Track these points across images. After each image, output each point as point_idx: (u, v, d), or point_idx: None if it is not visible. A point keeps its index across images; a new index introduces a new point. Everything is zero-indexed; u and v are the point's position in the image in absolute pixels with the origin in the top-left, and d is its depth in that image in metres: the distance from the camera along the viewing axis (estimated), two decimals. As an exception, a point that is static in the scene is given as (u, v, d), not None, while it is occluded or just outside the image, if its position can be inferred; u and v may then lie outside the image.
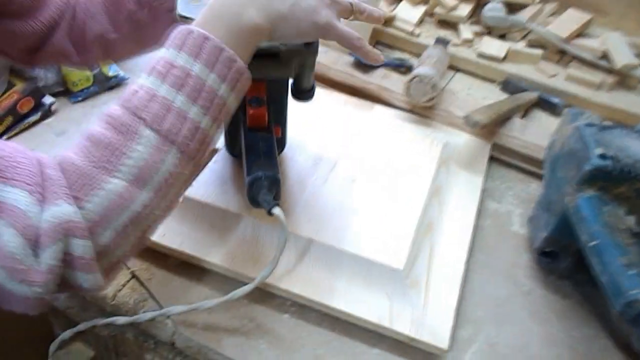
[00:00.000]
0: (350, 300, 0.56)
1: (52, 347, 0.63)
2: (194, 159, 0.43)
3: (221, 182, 0.63)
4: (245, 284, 0.57)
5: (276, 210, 0.50)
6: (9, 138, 0.85)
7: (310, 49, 0.55)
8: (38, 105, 0.88)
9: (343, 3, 0.50)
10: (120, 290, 0.57)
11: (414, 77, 0.75)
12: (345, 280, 0.57)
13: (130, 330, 0.59)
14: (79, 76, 0.90)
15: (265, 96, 0.56)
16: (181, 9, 0.61)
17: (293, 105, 0.63)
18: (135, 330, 0.59)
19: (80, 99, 0.91)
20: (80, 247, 0.38)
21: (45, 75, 0.89)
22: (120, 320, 0.55)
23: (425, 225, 0.63)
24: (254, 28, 0.45)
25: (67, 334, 0.57)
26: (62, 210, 0.38)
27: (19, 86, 0.86)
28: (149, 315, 0.54)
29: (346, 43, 0.50)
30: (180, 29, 0.43)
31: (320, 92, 0.80)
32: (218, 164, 0.65)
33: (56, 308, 0.63)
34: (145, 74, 0.42)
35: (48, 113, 0.89)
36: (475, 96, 0.88)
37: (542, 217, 0.61)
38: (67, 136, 0.86)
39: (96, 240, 0.40)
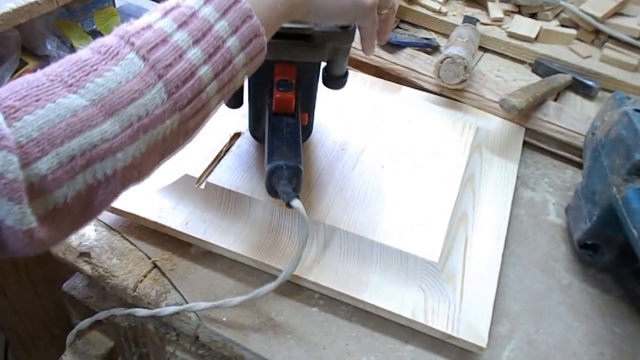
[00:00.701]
0: (382, 294, 0.53)
1: (70, 337, 0.61)
2: (182, 112, 0.36)
3: (246, 167, 0.60)
4: (271, 275, 0.55)
5: (295, 203, 0.47)
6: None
7: (347, 32, 0.51)
8: None
9: None
10: (141, 281, 0.55)
11: (445, 58, 0.71)
12: (376, 272, 0.54)
13: (152, 321, 0.57)
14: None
15: (294, 80, 0.53)
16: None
17: (319, 88, 0.60)
18: (156, 322, 0.57)
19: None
20: (1, 164, 0.29)
21: (57, 53, 0.87)
22: (140, 312, 0.53)
23: (460, 214, 0.60)
24: None
25: (85, 322, 0.55)
26: None
27: (31, 64, 0.84)
28: (170, 309, 0.52)
29: (371, 33, 0.48)
30: None
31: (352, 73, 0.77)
32: (242, 149, 0.62)
33: (74, 297, 0.61)
34: (149, 12, 0.37)
35: None
36: (505, 78, 0.84)
37: (583, 208, 0.58)
38: None
39: (30, 163, 0.30)
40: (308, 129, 0.63)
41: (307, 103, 0.59)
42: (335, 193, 0.59)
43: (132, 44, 0.34)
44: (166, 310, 0.52)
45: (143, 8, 0.98)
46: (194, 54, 0.35)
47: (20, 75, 0.79)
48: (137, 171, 0.36)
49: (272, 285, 0.50)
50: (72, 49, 0.87)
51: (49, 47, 0.88)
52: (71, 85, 0.31)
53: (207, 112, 0.38)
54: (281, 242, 0.56)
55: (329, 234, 0.56)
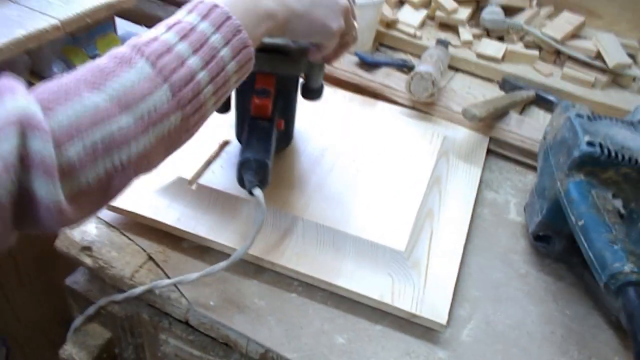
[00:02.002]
0: (354, 279, 0.59)
1: (72, 329, 0.67)
2: (184, 110, 0.42)
3: (233, 171, 0.66)
4: (255, 264, 0.61)
5: (256, 192, 0.55)
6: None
7: None
8: None
9: (353, 23, 0.56)
10: (137, 271, 0.61)
11: (415, 74, 0.79)
12: (350, 261, 0.60)
13: (146, 311, 0.62)
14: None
15: (272, 89, 0.60)
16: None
17: (303, 101, 0.67)
18: (150, 311, 0.62)
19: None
20: (39, 143, 0.34)
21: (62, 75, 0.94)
22: (137, 291, 0.59)
23: (426, 211, 0.66)
24: (268, 14, 0.48)
25: (91, 309, 0.61)
26: (18, 103, 0.35)
27: (39, 86, 0.91)
28: (163, 282, 0.58)
29: (328, 51, 0.56)
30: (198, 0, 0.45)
31: (327, 89, 0.84)
32: (230, 155, 0.69)
33: (76, 290, 0.66)
34: (154, 27, 0.44)
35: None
36: (474, 94, 0.92)
37: (537, 203, 0.65)
38: None
39: (61, 150, 0.36)
40: (287, 136, 0.70)
41: (286, 111, 0.66)
42: (313, 192, 0.65)
43: (142, 53, 0.40)
44: (159, 283, 0.58)
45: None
46: (193, 61, 0.42)
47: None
48: (147, 161, 0.42)
49: (224, 263, 0.56)
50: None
51: (55, 70, 0.95)
52: (93, 84, 0.38)
53: (204, 112, 0.45)
54: (264, 234, 0.62)
55: (307, 228, 0.62)
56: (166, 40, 0.42)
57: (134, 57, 0.40)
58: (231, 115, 0.69)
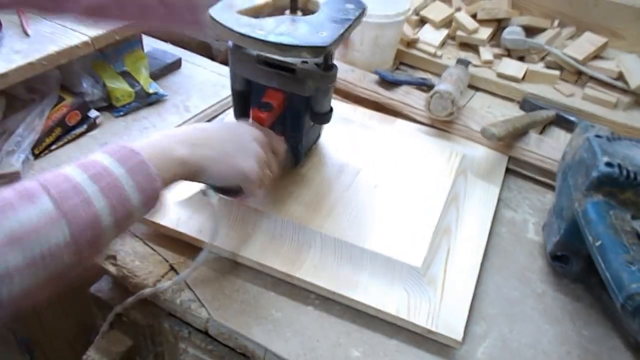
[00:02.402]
0: (370, 294, 0.60)
1: (100, 334, 0.69)
2: (81, 250, 0.42)
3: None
4: (273, 277, 0.62)
5: (208, 192, 0.59)
6: (57, 148, 0.92)
7: (326, 73, 0.60)
8: (84, 118, 0.94)
9: (272, 159, 0.61)
10: (159, 280, 0.62)
11: (434, 93, 0.80)
12: (367, 275, 0.61)
13: (167, 320, 0.64)
14: (122, 92, 0.97)
15: (277, 105, 0.62)
16: (217, 14, 0.59)
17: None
18: (171, 321, 0.64)
19: (122, 113, 0.98)
20: None
21: (92, 91, 0.97)
22: (146, 291, 0.60)
23: (443, 228, 0.67)
24: (180, 161, 0.52)
25: (111, 315, 0.62)
26: None
27: (68, 100, 0.94)
28: (167, 284, 0.60)
29: (252, 191, 0.60)
30: (118, 145, 0.47)
31: (347, 107, 0.86)
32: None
33: (100, 298, 0.68)
34: (72, 165, 0.45)
35: (93, 125, 0.95)
36: (494, 113, 0.92)
37: (555, 223, 0.65)
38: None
39: None
40: (295, 156, 0.71)
41: (296, 131, 0.68)
42: (332, 207, 0.66)
43: (48, 191, 0.41)
44: (163, 285, 0.59)
45: (168, 52, 1.09)
46: (101, 206, 0.43)
47: (58, 110, 0.89)
48: (30, 297, 0.40)
49: (188, 270, 0.60)
50: (105, 87, 0.97)
51: (84, 85, 0.98)
52: None
53: (101, 249, 0.46)
54: (282, 247, 0.63)
55: (325, 242, 0.63)
56: (77, 182, 0.43)
57: (39, 194, 0.40)
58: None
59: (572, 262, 0.63)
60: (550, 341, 0.60)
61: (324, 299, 0.61)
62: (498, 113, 0.93)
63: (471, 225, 0.69)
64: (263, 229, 0.65)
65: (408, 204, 0.68)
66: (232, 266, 0.64)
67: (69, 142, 0.93)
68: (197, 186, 0.66)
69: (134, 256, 0.64)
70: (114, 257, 0.64)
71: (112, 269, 0.64)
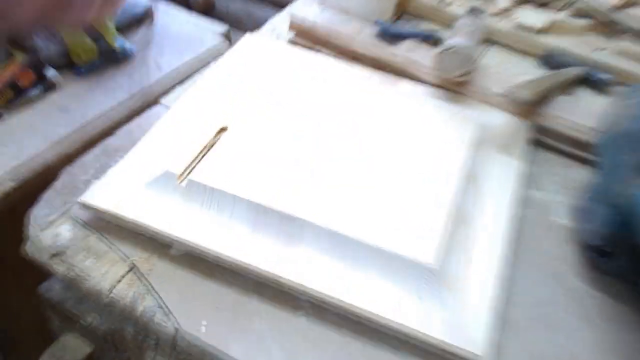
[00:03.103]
0: (373, 299, 0.49)
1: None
2: None
3: (231, 165, 0.56)
4: (256, 279, 0.51)
5: None
6: (9, 113, 0.81)
7: None
8: (40, 79, 0.83)
9: None
10: (118, 283, 0.51)
11: (447, 48, 0.67)
12: (368, 276, 0.50)
13: (130, 326, 0.53)
14: (83, 47, 0.85)
15: None
16: None
17: (313, 81, 0.56)
18: (134, 327, 0.53)
19: (84, 72, 0.86)
20: None
21: (46, 46, 0.84)
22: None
23: (458, 214, 0.56)
24: None
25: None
26: None
27: (19, 57, 0.81)
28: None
29: None
30: None
31: (341, 65, 0.73)
32: (227, 145, 0.58)
33: (51, 300, 0.58)
34: None
35: (51, 87, 0.84)
36: (512, 71, 0.79)
37: (595, 209, 0.54)
38: (71, 113, 0.82)
39: None
40: None
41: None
42: (324, 191, 0.55)
43: None
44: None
45: (139, 2, 0.95)
46: None
47: (7, 69, 0.77)
48: None
49: None
50: (63, 42, 0.85)
51: (37, 39, 0.86)
52: None
53: None
54: (266, 241, 0.52)
55: (317, 235, 0.52)
56: None
57: None
58: (229, 98, 0.59)
59: (614, 256, 0.53)
60: (589, 352, 0.50)
61: (317, 305, 0.50)
62: (516, 71, 0.80)
63: (491, 210, 0.58)
64: (241, 220, 0.53)
65: (414, 185, 0.57)
66: (205, 265, 0.53)
67: (23, 106, 0.82)
68: (162, 166, 0.55)
69: (86, 253, 0.53)
70: (60, 255, 0.53)
71: (59, 269, 0.53)
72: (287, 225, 0.53)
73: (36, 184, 0.73)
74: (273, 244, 0.52)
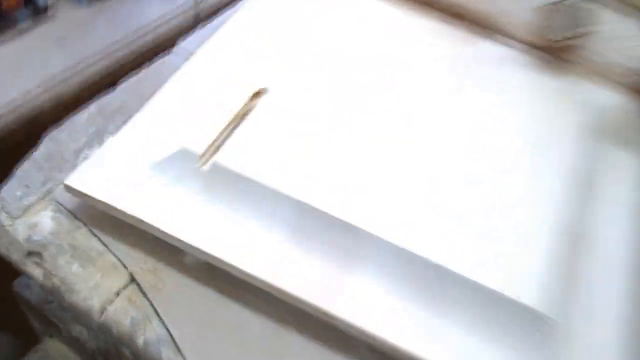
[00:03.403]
0: (459, 353, 0.36)
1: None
2: None
3: (271, 144, 0.42)
4: (299, 311, 0.38)
5: None
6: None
7: None
8: (28, 3, 0.69)
9: None
10: (111, 302, 0.38)
11: (560, 1, 0.50)
12: (450, 320, 0.37)
13: (128, 349, 0.41)
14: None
15: None
16: None
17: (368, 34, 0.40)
18: (134, 354, 0.40)
19: (86, -1, 0.71)
20: None
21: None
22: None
23: (569, 234, 0.41)
24: None
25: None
26: None
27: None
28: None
29: None
30: None
31: (400, 14, 0.57)
32: (266, 115, 0.44)
33: (29, 302, 0.45)
34: None
35: (42, 15, 0.70)
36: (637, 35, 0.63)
37: None
38: (68, 45, 0.70)
39: None
40: None
41: None
42: (394, 193, 0.41)
43: None
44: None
45: None
46: None
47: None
48: None
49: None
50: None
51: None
52: None
53: None
54: (310, 259, 0.38)
55: (381, 255, 0.38)
56: None
57: None
58: (265, 49, 0.44)
59: None
60: None
61: (378, 351, 0.37)
62: None
63: (617, 227, 0.43)
64: (280, 226, 0.39)
65: (508, 195, 0.42)
66: (229, 282, 0.39)
67: (13, 38, 0.68)
68: (176, 141, 0.41)
69: (71, 255, 0.40)
70: (38, 255, 0.40)
71: (36, 273, 0.40)
72: (344, 236, 0.39)
73: (23, 134, 0.59)
74: (323, 262, 0.38)
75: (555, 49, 0.54)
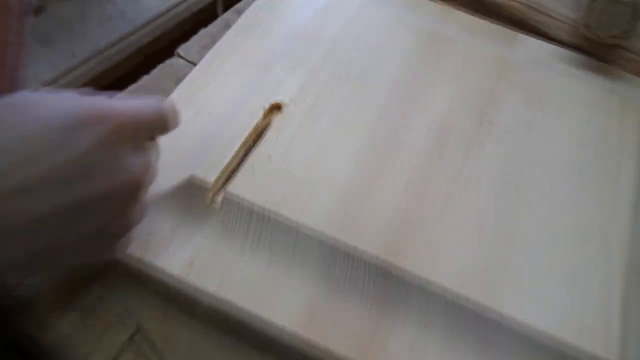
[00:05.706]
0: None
1: None
2: None
3: (291, 169, 0.37)
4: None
5: None
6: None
7: None
8: None
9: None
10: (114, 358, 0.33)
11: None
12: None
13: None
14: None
15: None
16: None
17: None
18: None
19: (72, -8, 0.65)
20: None
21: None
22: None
23: (636, 268, 0.36)
24: None
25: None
26: None
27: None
28: None
29: None
30: None
31: (431, 9, 0.51)
32: (285, 134, 0.38)
33: None
34: None
35: (29, 12, 0.64)
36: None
37: None
38: (56, 47, 0.65)
39: None
40: None
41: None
42: (434, 230, 0.35)
43: None
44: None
45: None
46: None
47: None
48: None
49: None
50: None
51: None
52: None
53: None
54: (348, 309, 0.33)
55: (431, 303, 0.33)
56: None
57: None
58: (284, 67, 0.38)
59: None
60: None
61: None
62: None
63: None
64: (309, 267, 0.34)
65: (564, 222, 0.37)
66: (253, 338, 0.34)
67: None
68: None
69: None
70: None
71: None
72: (383, 283, 0.33)
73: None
74: (358, 313, 0.33)
75: (596, 47, 0.49)
